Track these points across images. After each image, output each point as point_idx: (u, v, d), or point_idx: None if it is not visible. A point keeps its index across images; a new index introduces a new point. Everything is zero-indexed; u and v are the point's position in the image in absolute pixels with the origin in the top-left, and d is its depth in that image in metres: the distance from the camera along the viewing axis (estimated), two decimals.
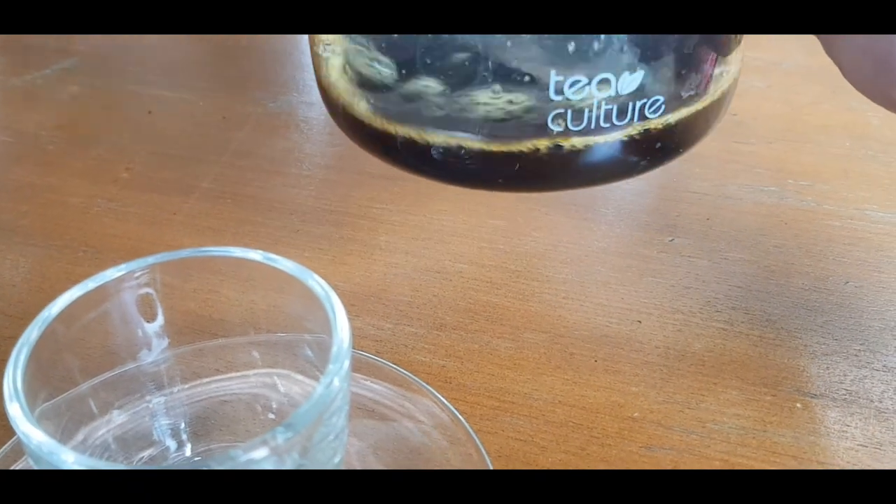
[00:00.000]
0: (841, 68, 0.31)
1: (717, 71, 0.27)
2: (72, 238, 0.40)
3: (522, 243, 0.40)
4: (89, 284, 0.24)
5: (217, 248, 0.25)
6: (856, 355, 0.33)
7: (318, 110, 0.49)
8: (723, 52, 0.27)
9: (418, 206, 0.42)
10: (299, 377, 0.26)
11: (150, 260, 0.25)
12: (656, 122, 0.26)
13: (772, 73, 0.50)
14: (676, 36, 0.25)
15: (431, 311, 0.36)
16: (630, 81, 0.25)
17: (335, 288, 0.26)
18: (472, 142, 0.26)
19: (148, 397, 0.26)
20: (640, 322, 0.35)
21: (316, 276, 0.24)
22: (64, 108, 0.49)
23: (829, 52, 0.31)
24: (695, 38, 0.26)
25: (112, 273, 0.25)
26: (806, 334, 0.34)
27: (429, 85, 0.25)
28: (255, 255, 0.25)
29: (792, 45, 0.52)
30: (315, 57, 0.30)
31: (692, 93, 0.26)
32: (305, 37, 0.55)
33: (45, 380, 0.22)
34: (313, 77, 0.52)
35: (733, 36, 0.27)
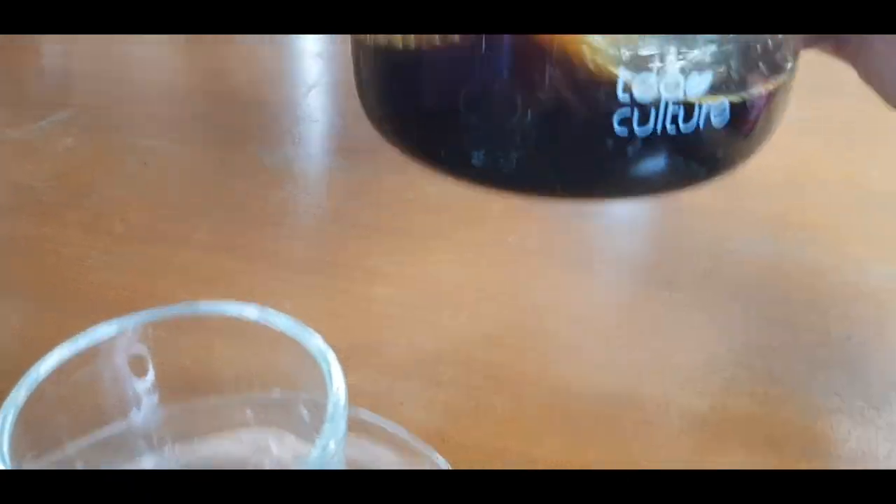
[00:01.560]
0: (880, 90, 0.30)
1: (773, 81, 0.27)
2: (65, 289, 0.40)
3: (520, 297, 0.39)
4: (80, 342, 0.24)
5: (211, 303, 0.25)
6: (860, 413, 0.33)
7: (314, 162, 0.49)
8: (777, 66, 0.27)
9: (415, 257, 0.42)
10: (293, 438, 0.26)
11: (143, 316, 0.25)
12: (722, 128, 0.26)
13: None
14: (745, 39, 0.25)
15: (428, 366, 0.35)
16: (699, 83, 0.24)
17: (330, 341, 0.25)
18: (531, 144, 0.25)
19: (138, 458, 0.25)
20: (640, 379, 0.35)
21: (313, 333, 0.24)
22: (60, 159, 0.49)
23: (866, 74, 0.31)
24: (763, 42, 0.25)
25: (103, 330, 0.24)
26: (809, 391, 0.34)
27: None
28: (251, 310, 0.24)
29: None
30: (357, 61, 0.29)
31: (754, 102, 0.26)
32: (302, 89, 0.55)
33: (32, 441, 0.22)
34: (310, 130, 0.52)
35: (792, 45, 0.27)
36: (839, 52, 0.32)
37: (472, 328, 0.38)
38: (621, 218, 0.44)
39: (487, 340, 0.37)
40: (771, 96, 0.27)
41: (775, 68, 0.26)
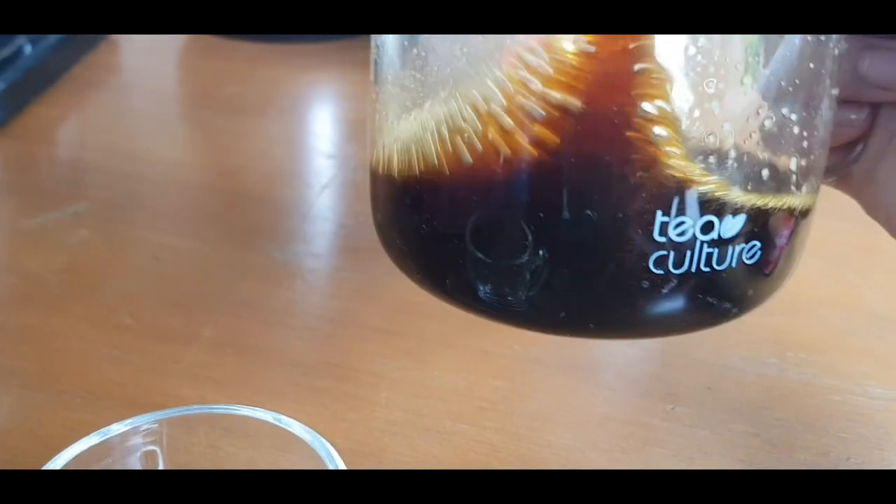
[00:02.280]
0: (886, 223, 0.31)
1: (800, 221, 0.27)
2: (70, 383, 0.40)
3: (523, 405, 0.40)
4: (93, 439, 0.24)
5: (224, 407, 0.25)
6: None
7: (323, 262, 0.50)
8: (807, 208, 0.28)
9: (420, 362, 0.42)
10: None
11: (157, 416, 0.25)
12: (752, 268, 0.26)
13: None
14: (774, 183, 0.26)
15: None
16: (732, 225, 0.25)
17: (334, 445, 0.25)
18: (569, 280, 0.25)
19: None
20: None
21: (322, 440, 0.24)
22: (72, 251, 0.49)
23: (871, 207, 0.31)
24: (789, 188, 0.26)
25: (117, 428, 0.25)
26: None
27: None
28: (266, 415, 0.25)
29: None
30: (375, 193, 0.30)
31: (783, 240, 0.27)
32: (314, 189, 0.56)
33: None
34: (320, 229, 0.53)
35: (815, 189, 0.28)
36: (843, 185, 0.33)
37: (474, 435, 0.38)
38: None
39: (490, 448, 0.37)
40: (796, 232, 0.27)
41: (800, 205, 0.27)
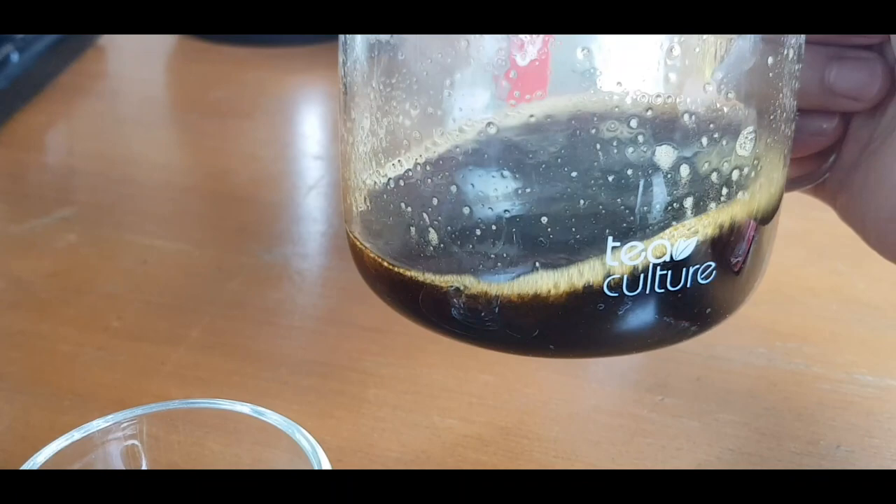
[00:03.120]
0: (862, 231, 0.31)
1: (758, 235, 0.27)
2: (58, 386, 0.40)
3: (512, 399, 0.40)
4: (75, 435, 0.24)
5: (205, 401, 0.25)
6: None
7: (311, 262, 0.50)
8: (765, 221, 0.28)
9: (408, 359, 0.42)
10: None
11: (137, 411, 0.25)
12: (708, 287, 0.26)
13: None
14: (727, 199, 0.26)
15: (419, 468, 0.35)
16: (685, 247, 0.25)
17: (322, 442, 0.25)
18: (525, 303, 0.26)
19: None
20: None
21: (303, 431, 0.24)
22: (60, 255, 0.49)
23: (846, 215, 0.31)
24: (745, 200, 0.26)
25: (98, 424, 0.25)
26: None
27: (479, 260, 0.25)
28: (244, 408, 0.25)
29: None
30: (348, 210, 0.30)
31: (739, 258, 0.27)
32: (302, 189, 0.56)
33: None
34: (308, 229, 0.53)
35: (775, 201, 0.28)
36: (817, 194, 0.33)
37: (463, 430, 0.38)
38: None
39: (479, 442, 0.37)
40: (753, 248, 0.27)
41: (757, 221, 0.27)
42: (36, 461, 0.23)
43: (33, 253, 0.50)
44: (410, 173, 0.27)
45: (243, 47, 0.72)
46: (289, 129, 0.66)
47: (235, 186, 0.57)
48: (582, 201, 0.25)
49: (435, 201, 0.26)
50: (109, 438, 0.24)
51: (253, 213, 0.54)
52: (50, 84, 0.68)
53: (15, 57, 0.65)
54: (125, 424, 0.25)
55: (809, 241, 0.50)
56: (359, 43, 0.26)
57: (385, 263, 0.28)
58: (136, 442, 0.25)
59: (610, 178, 0.25)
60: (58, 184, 0.58)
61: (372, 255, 0.28)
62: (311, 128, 0.67)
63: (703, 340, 0.43)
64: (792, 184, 0.32)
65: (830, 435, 0.38)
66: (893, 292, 0.46)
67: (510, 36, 0.24)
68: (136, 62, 0.74)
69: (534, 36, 0.24)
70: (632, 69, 0.25)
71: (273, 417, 0.24)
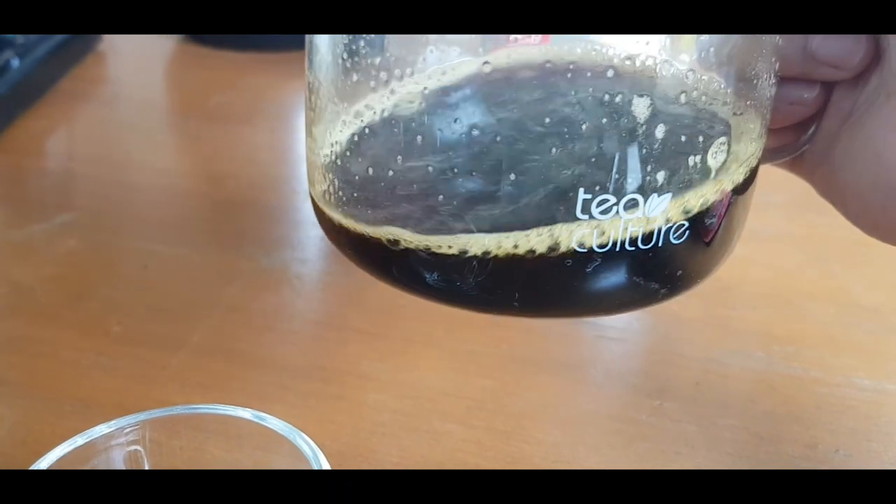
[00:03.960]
0: (841, 204, 0.30)
1: (733, 202, 0.27)
2: (60, 391, 0.40)
3: (511, 404, 0.40)
4: (78, 440, 0.24)
5: (207, 406, 0.25)
6: None
7: (311, 267, 0.50)
8: (740, 189, 0.27)
9: (407, 363, 0.42)
10: None
11: (140, 417, 0.25)
12: (680, 248, 0.26)
13: (755, 240, 0.51)
14: (703, 165, 0.25)
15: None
16: (658, 203, 0.25)
17: (322, 447, 0.26)
18: (490, 257, 0.25)
19: None
20: None
21: (304, 436, 0.24)
22: (61, 261, 0.50)
23: (825, 189, 0.31)
24: (720, 166, 0.26)
25: (101, 429, 0.25)
26: None
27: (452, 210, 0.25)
28: (245, 413, 0.25)
29: (774, 212, 0.53)
30: (312, 168, 0.29)
31: (712, 220, 0.26)
32: (301, 194, 0.56)
33: None
34: (307, 234, 0.53)
35: (750, 169, 0.27)
36: (795, 167, 0.32)
37: (462, 434, 0.38)
38: (611, 327, 0.44)
39: (478, 447, 0.37)
40: (729, 211, 0.27)
41: (732, 186, 0.27)
42: (39, 466, 0.23)
43: (34, 258, 0.50)
44: (373, 126, 0.26)
45: (243, 52, 0.73)
46: (288, 134, 0.66)
47: (235, 191, 0.57)
48: (554, 150, 0.24)
49: (400, 151, 0.25)
50: (112, 444, 0.24)
51: (253, 218, 0.54)
52: (50, 89, 0.68)
53: (15, 62, 0.65)
54: (128, 430, 0.25)
55: (807, 246, 0.50)
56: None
57: (351, 225, 0.27)
58: (138, 447, 0.25)
59: (584, 129, 0.24)
60: (58, 189, 0.59)
61: (337, 216, 0.28)
62: None
63: (702, 345, 0.43)
64: (771, 155, 0.31)
65: (829, 439, 0.38)
66: (891, 296, 0.46)
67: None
68: (136, 67, 0.75)
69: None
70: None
71: (274, 423, 0.24)
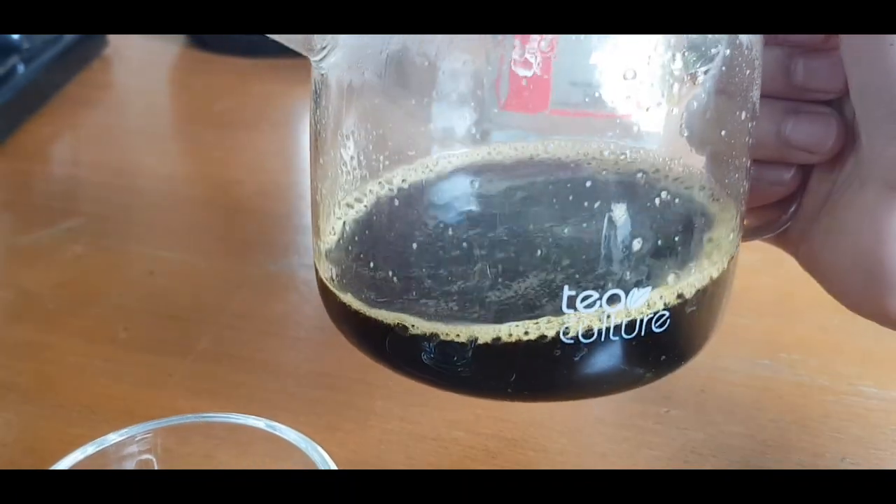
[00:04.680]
0: (824, 282, 0.31)
1: (712, 288, 0.28)
2: (67, 398, 0.40)
3: (519, 411, 0.40)
4: (88, 449, 0.24)
5: (219, 415, 0.25)
6: None
7: None
8: (720, 271, 0.28)
9: None
10: None
11: (151, 425, 0.25)
12: (662, 335, 0.27)
13: (761, 249, 0.51)
14: (681, 256, 0.26)
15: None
16: (639, 297, 0.25)
17: (330, 454, 0.26)
18: (482, 348, 0.26)
19: None
20: None
21: (316, 447, 0.24)
22: (67, 267, 0.50)
23: (809, 265, 0.32)
24: (698, 255, 0.27)
25: (112, 438, 0.25)
26: None
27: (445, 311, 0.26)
28: (258, 422, 0.25)
29: None
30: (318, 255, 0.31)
31: (694, 307, 0.27)
32: (307, 201, 0.56)
33: None
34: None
35: (731, 255, 0.28)
36: (780, 243, 0.33)
37: (470, 442, 0.38)
38: None
39: (486, 454, 0.37)
40: (709, 297, 0.28)
41: (712, 275, 0.28)
42: None
43: (40, 264, 0.50)
44: (370, 216, 0.28)
45: (249, 58, 0.73)
46: (294, 141, 0.66)
47: (241, 198, 0.57)
48: (539, 251, 0.26)
49: (392, 246, 0.27)
50: (124, 452, 0.24)
51: (259, 225, 0.54)
52: (56, 95, 0.68)
53: (21, 68, 0.65)
54: (139, 438, 0.25)
55: None
56: (332, 88, 0.27)
57: (351, 304, 0.28)
58: (149, 456, 0.25)
59: (566, 230, 0.26)
60: (64, 195, 0.59)
61: (338, 294, 0.29)
62: None
63: (708, 352, 0.43)
64: (753, 232, 0.33)
65: (835, 447, 0.38)
66: None
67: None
68: (142, 73, 0.75)
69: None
70: (586, 126, 0.26)
71: (287, 432, 0.24)
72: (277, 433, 0.25)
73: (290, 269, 0.49)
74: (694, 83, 0.26)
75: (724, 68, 0.26)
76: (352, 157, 0.27)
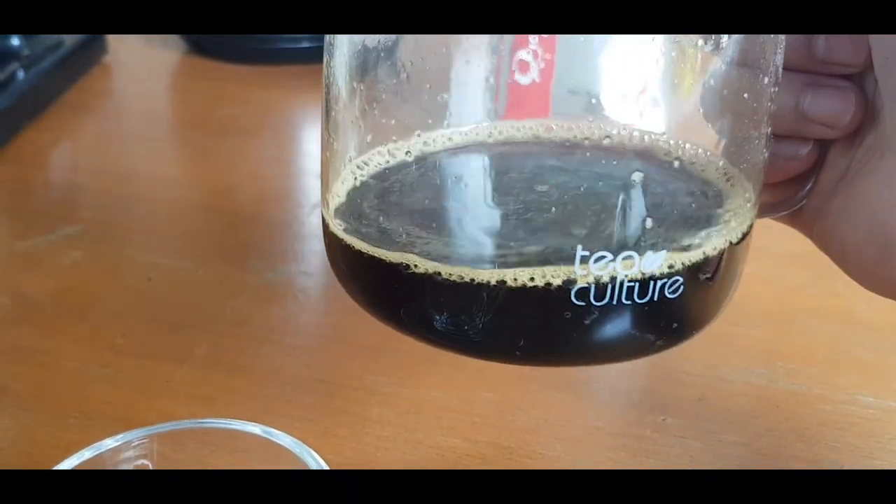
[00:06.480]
0: (839, 258, 0.31)
1: (727, 256, 0.28)
2: (63, 403, 0.40)
3: (515, 419, 0.40)
4: (85, 454, 0.24)
5: (215, 421, 0.25)
6: None
7: (315, 280, 0.50)
8: (735, 244, 0.28)
9: (411, 378, 0.42)
10: None
11: (148, 430, 0.25)
12: (675, 302, 0.26)
13: (759, 258, 0.51)
14: (696, 223, 0.26)
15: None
16: (653, 260, 0.25)
17: (325, 461, 0.26)
18: (489, 298, 0.26)
19: None
20: None
21: (313, 454, 0.24)
22: (65, 272, 0.50)
23: (823, 243, 0.32)
24: (714, 223, 0.27)
25: (108, 443, 0.25)
26: None
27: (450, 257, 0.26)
28: (254, 429, 0.25)
29: (778, 230, 0.53)
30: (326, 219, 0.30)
31: (707, 276, 0.27)
32: (306, 208, 0.56)
33: None
34: (312, 247, 0.53)
35: (746, 226, 0.28)
36: (794, 221, 0.33)
37: (466, 449, 0.38)
38: None
39: (482, 462, 0.37)
40: (724, 265, 0.28)
41: (727, 243, 0.28)
42: None
43: (38, 270, 0.50)
44: (396, 169, 0.27)
45: (248, 66, 0.73)
46: (293, 148, 0.66)
47: (240, 204, 0.57)
48: (554, 209, 0.26)
49: (415, 199, 0.27)
50: (120, 458, 0.24)
51: (257, 231, 0.54)
52: (55, 101, 0.68)
53: (21, 74, 0.66)
54: (136, 443, 0.25)
55: (811, 263, 0.50)
56: (345, 44, 0.27)
57: (363, 251, 0.28)
58: (146, 461, 0.25)
59: (583, 190, 0.26)
60: (63, 201, 0.59)
61: (349, 243, 0.29)
62: (315, 146, 0.68)
63: (705, 361, 0.43)
64: (768, 209, 0.32)
65: (832, 456, 0.38)
66: (895, 314, 0.47)
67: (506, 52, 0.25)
68: (142, 80, 0.75)
69: (533, 52, 0.25)
70: (608, 93, 0.26)
71: (283, 438, 0.25)
72: (273, 439, 0.25)
73: (289, 277, 0.50)
74: (718, 48, 0.26)
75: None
76: (365, 111, 0.27)
